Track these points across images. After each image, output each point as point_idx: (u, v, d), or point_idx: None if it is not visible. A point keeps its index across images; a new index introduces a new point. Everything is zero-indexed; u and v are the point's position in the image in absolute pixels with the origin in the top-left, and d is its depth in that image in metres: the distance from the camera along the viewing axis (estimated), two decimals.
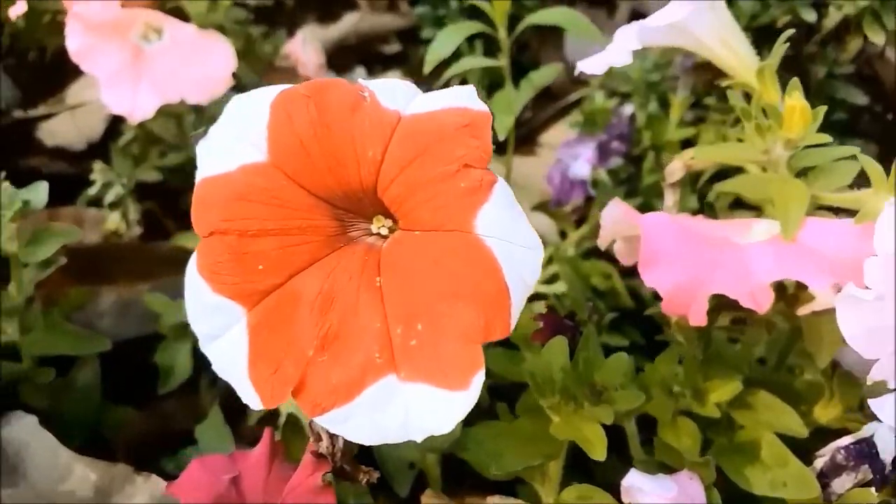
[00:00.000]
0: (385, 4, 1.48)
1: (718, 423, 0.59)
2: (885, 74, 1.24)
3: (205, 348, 0.40)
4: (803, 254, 0.51)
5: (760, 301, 0.51)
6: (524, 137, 1.20)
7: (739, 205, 0.87)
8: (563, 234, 0.95)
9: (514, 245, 0.35)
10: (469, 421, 0.61)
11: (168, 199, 1.04)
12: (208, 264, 0.39)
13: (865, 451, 0.56)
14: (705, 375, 0.58)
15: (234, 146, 0.38)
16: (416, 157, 0.36)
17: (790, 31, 0.55)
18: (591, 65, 0.57)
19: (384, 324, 0.36)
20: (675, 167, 0.66)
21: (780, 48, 0.55)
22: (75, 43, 0.77)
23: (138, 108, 0.79)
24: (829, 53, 1.01)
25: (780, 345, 0.64)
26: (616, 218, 0.60)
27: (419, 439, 0.35)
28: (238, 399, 0.79)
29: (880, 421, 0.55)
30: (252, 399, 0.38)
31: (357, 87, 0.37)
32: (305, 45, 0.96)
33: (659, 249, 0.53)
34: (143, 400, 0.79)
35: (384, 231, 0.39)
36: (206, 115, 0.98)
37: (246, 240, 0.38)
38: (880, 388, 0.47)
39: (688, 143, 0.98)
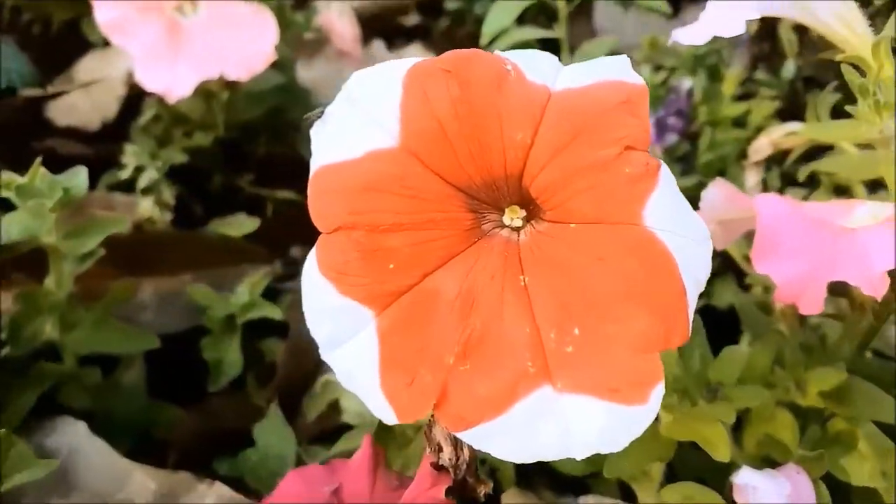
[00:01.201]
0: None
1: (814, 413, 0.57)
2: None
3: (326, 356, 0.36)
4: None
5: (879, 287, 0.48)
6: None
7: (792, 183, 0.84)
8: None
9: (686, 239, 0.31)
10: None
11: (195, 183, 0.99)
12: (334, 263, 0.34)
13: None
14: (807, 365, 0.55)
15: (358, 129, 0.34)
16: (572, 140, 0.32)
17: None
18: (692, 34, 0.53)
19: (534, 328, 0.33)
20: (762, 145, 0.62)
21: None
22: (106, 14, 0.72)
23: (177, 85, 0.74)
24: None
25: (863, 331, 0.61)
26: (717, 200, 0.56)
27: (581, 457, 0.32)
28: (292, 396, 0.75)
29: None
30: (385, 412, 0.34)
31: (500, 60, 0.33)
32: (342, 17, 0.91)
33: (777, 237, 0.50)
34: (190, 398, 0.75)
35: (517, 223, 0.35)
36: (241, 92, 0.94)
37: (376, 235, 0.34)
38: None
39: (739, 121, 0.95)
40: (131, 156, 0.80)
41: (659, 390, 0.30)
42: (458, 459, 0.39)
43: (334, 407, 0.70)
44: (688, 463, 0.57)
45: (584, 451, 0.32)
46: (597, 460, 0.61)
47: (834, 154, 0.59)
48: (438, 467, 0.39)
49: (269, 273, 0.82)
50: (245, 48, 0.76)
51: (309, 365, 0.79)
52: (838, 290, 0.57)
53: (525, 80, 0.33)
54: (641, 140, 0.32)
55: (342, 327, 0.35)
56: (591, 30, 1.17)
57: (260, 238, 0.92)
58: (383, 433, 0.48)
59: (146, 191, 0.82)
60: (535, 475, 0.63)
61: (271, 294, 0.83)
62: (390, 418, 0.34)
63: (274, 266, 0.85)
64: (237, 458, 0.70)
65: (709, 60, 0.98)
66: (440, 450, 0.39)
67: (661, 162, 0.32)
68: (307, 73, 1.17)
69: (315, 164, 0.35)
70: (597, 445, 0.31)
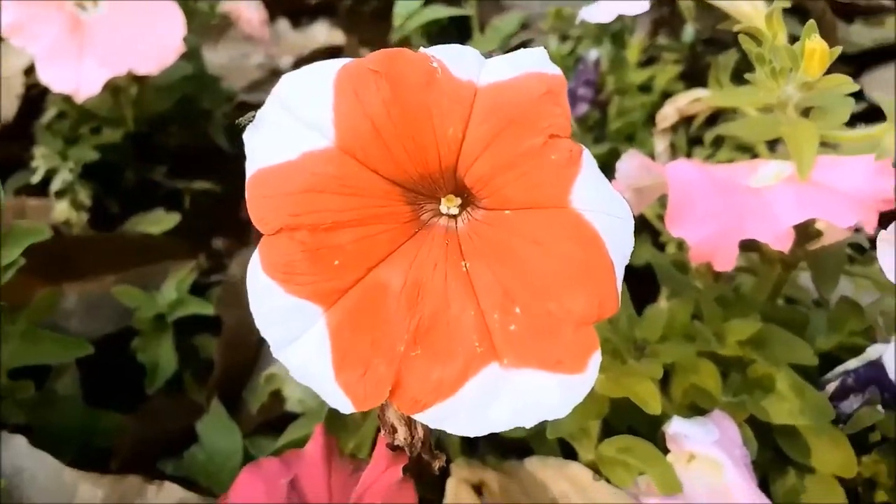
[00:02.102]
0: None
1: (734, 361, 0.61)
2: (812, 5, 1.28)
3: (278, 354, 0.36)
4: (823, 193, 0.53)
5: (785, 242, 0.53)
6: None
7: (698, 142, 0.89)
8: None
9: (611, 217, 0.34)
10: None
11: (108, 180, 0.97)
12: (279, 264, 0.35)
13: (873, 374, 0.59)
14: (724, 317, 0.60)
15: (292, 132, 0.34)
16: (500, 132, 0.34)
17: None
18: (599, 13, 0.56)
19: (478, 311, 0.35)
20: (668, 112, 0.66)
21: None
22: (8, 16, 0.68)
23: (84, 84, 0.72)
24: None
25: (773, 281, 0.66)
26: (631, 170, 0.59)
27: (530, 426, 0.34)
28: (231, 390, 0.75)
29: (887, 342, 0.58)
30: (342, 403, 0.35)
31: (426, 58, 0.34)
32: (248, 2, 0.89)
33: (688, 201, 0.53)
34: (127, 403, 0.74)
35: (454, 211, 0.37)
36: (150, 84, 0.91)
37: (319, 234, 0.35)
38: None
39: (645, 86, 0.99)
40: (41, 158, 0.77)
41: (596, 358, 0.33)
42: (412, 438, 0.40)
43: (276, 396, 0.71)
44: (622, 418, 0.61)
45: (533, 421, 0.34)
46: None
47: (736, 117, 0.63)
48: (394, 448, 0.41)
49: (194, 268, 0.81)
50: (153, 41, 0.74)
51: (246, 358, 0.80)
52: (749, 245, 0.62)
53: (451, 76, 0.34)
54: (564, 128, 0.34)
55: (292, 326, 0.36)
56: (499, 5, 1.19)
57: (180, 232, 0.90)
58: (333, 420, 0.49)
59: (60, 193, 0.79)
60: (480, 442, 0.66)
61: (199, 289, 0.82)
62: (347, 408, 0.35)
63: (198, 260, 0.84)
64: (182, 457, 0.69)
65: (613, 28, 1.02)
66: (394, 431, 0.41)
67: (584, 147, 0.34)
68: (214, 59, 1.15)
69: (251, 167, 0.36)
70: (544, 414, 0.34)
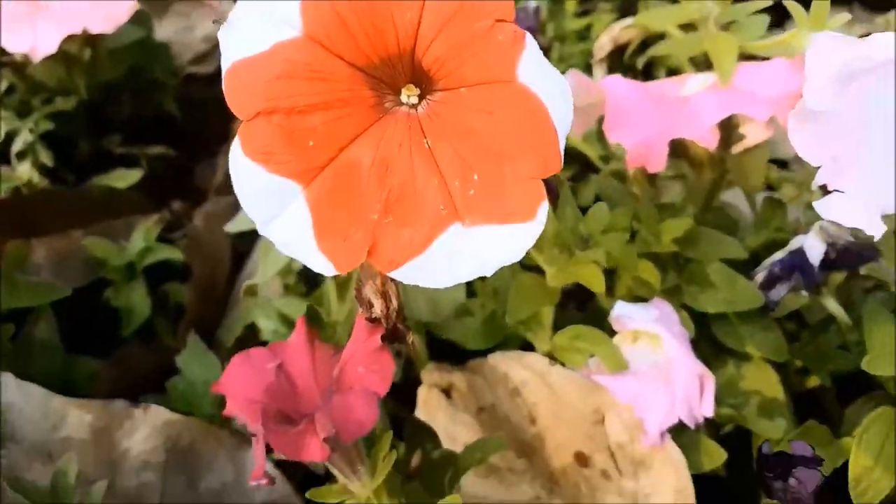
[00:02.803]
0: None
1: (671, 259, 0.67)
2: None
3: (264, 231, 0.40)
4: (741, 94, 0.59)
5: (710, 140, 0.59)
6: None
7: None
8: None
9: (552, 87, 0.38)
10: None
11: (62, 150, 0.98)
12: (258, 146, 0.39)
13: (797, 261, 0.65)
14: (660, 219, 0.66)
15: (263, 26, 0.38)
16: (452, 16, 0.38)
17: None
18: None
19: (441, 180, 0.39)
20: (604, 42, 0.71)
21: None
22: None
23: (40, 43, 0.74)
24: None
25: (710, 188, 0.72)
26: (575, 89, 0.64)
27: (490, 273, 0.39)
28: (204, 332, 0.78)
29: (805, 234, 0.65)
30: (325, 267, 0.39)
31: None
32: None
33: (623, 110, 0.59)
34: (103, 351, 0.77)
35: (413, 100, 0.41)
36: (102, 50, 0.93)
37: (294, 117, 0.39)
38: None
39: (583, 34, 1.05)
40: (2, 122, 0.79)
41: (544, 207, 0.38)
42: (388, 309, 0.45)
43: (251, 329, 0.74)
44: (571, 321, 0.66)
45: (493, 268, 0.39)
46: (497, 334, 0.69)
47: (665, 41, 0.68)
48: (371, 320, 0.45)
49: (159, 220, 0.84)
50: (106, 1, 0.76)
51: (216, 301, 0.83)
52: (679, 152, 0.68)
53: None
54: (507, 13, 0.39)
55: (275, 203, 0.40)
56: None
57: (141, 193, 0.92)
58: (311, 321, 0.53)
59: (21, 155, 0.81)
60: (444, 356, 0.71)
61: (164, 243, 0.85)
62: (331, 271, 0.39)
63: (162, 214, 0.87)
64: (162, 394, 0.72)
65: None
66: (371, 306, 0.45)
67: (526, 31, 0.39)
68: (160, 33, 1.16)
69: (226, 62, 0.39)
70: (503, 260, 0.38)
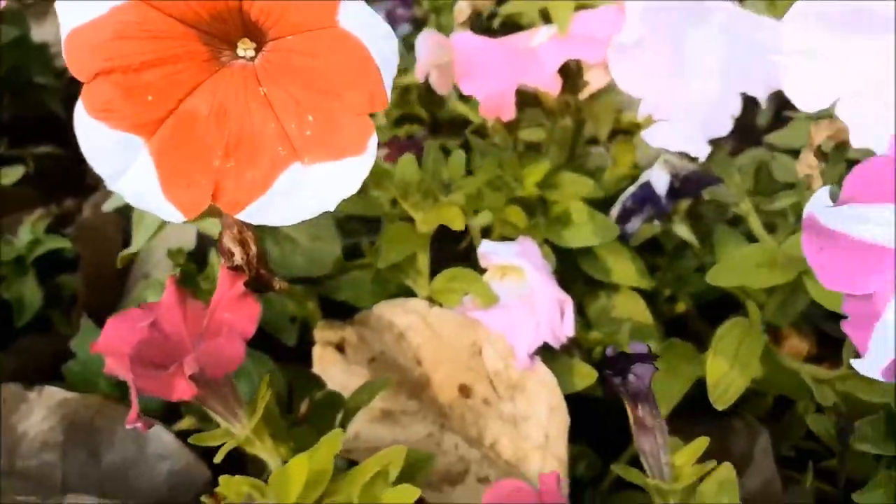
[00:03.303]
0: None
1: (536, 203, 0.72)
2: None
3: (113, 186, 0.43)
4: (578, 40, 0.64)
5: (554, 84, 0.64)
6: None
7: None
8: None
9: (372, 30, 0.42)
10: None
11: None
12: (99, 104, 0.41)
13: (646, 193, 0.71)
14: (521, 165, 0.70)
15: None
16: None
17: None
18: None
19: (278, 123, 0.42)
20: (462, 6, 0.76)
21: None
22: None
23: None
24: None
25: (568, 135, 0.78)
26: (428, 47, 0.69)
27: (333, 208, 0.42)
28: (98, 318, 0.79)
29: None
30: (173, 215, 0.42)
31: None
32: None
33: (472, 62, 0.63)
34: (2, 343, 0.77)
35: (250, 53, 0.44)
36: None
37: (131, 75, 0.41)
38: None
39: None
40: None
41: (373, 140, 0.41)
42: (248, 256, 0.48)
43: None
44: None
45: (334, 202, 0.42)
46: (386, 291, 0.73)
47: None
48: (234, 268, 0.48)
49: (46, 214, 0.84)
50: None
51: (109, 288, 0.84)
52: (531, 101, 0.72)
53: None
54: None
55: (120, 157, 0.42)
56: None
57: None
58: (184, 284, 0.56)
59: None
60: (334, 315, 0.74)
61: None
62: (179, 218, 0.42)
63: (50, 208, 0.87)
64: (62, 382, 0.73)
65: None
66: (232, 254, 0.48)
67: None
68: (42, 32, 1.15)
69: (65, 29, 0.42)
70: (342, 193, 0.42)
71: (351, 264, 0.73)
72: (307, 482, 0.50)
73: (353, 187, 0.42)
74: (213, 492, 0.49)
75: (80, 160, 1.08)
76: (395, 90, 0.96)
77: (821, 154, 0.59)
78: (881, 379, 0.48)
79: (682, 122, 0.59)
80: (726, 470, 0.57)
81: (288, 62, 0.43)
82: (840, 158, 0.62)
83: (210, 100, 0.43)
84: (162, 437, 0.67)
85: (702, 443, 0.56)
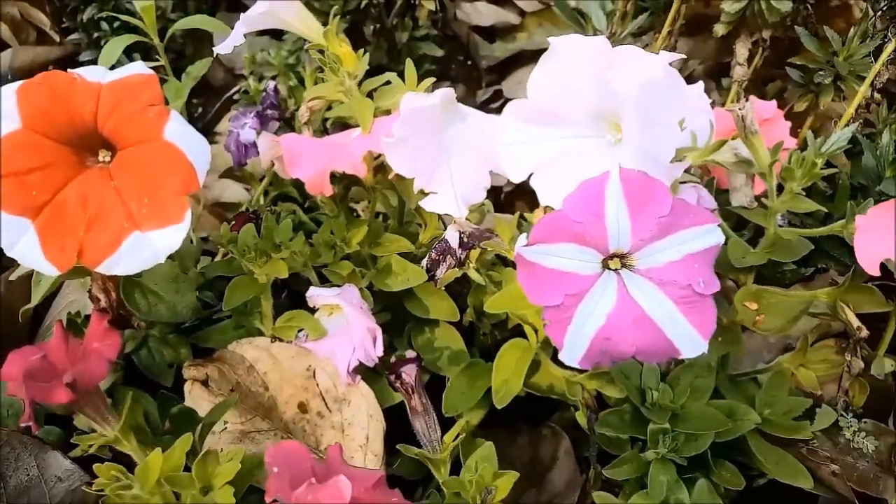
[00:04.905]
0: (34, 37, 1.59)
1: (367, 259, 0.93)
2: (460, 32, 1.71)
3: (10, 252, 0.62)
4: (377, 137, 0.86)
5: (360, 170, 0.85)
6: (203, 130, 1.44)
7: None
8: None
9: (189, 141, 0.63)
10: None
11: None
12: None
13: (446, 246, 0.92)
14: (348, 229, 0.91)
15: None
16: (118, 104, 0.62)
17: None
18: (222, 47, 0.86)
19: (124, 205, 0.62)
20: (303, 111, 0.98)
21: (337, 22, 0.88)
22: None
23: None
24: (407, 22, 1.41)
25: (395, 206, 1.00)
26: (266, 145, 0.90)
27: (163, 260, 0.62)
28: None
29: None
30: (51, 270, 0.61)
31: (70, 74, 0.62)
32: None
33: (297, 153, 0.84)
34: None
35: (108, 159, 0.65)
36: None
37: (21, 177, 0.61)
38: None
39: None
40: None
41: (188, 212, 0.62)
42: (111, 300, 0.67)
43: None
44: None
45: (164, 255, 0.62)
46: (241, 337, 0.91)
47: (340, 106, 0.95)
48: (101, 311, 0.67)
49: None
50: None
51: (21, 339, 0.99)
52: (357, 181, 0.94)
53: (87, 81, 0.62)
54: (157, 99, 0.63)
55: (15, 233, 0.61)
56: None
57: None
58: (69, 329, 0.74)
59: None
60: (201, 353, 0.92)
61: None
62: (55, 272, 0.61)
63: None
64: None
65: (298, 68, 1.35)
66: (98, 300, 0.67)
67: (172, 110, 0.64)
68: None
69: None
70: (168, 249, 0.62)
71: (205, 313, 0.91)
72: (162, 472, 0.67)
73: (175, 245, 0.62)
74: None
75: None
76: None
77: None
78: (578, 366, 0.68)
79: (446, 192, 0.81)
80: (487, 448, 0.77)
81: (130, 163, 0.63)
82: None
83: (77, 192, 0.63)
84: (60, 462, 0.83)
85: (489, 448, 0.76)
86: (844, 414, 0.93)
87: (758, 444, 0.86)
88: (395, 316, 0.96)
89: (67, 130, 0.63)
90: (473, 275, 0.92)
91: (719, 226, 0.66)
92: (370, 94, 0.90)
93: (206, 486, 0.65)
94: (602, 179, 0.66)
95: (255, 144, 1.19)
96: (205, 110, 1.56)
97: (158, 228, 0.62)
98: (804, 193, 0.80)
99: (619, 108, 0.74)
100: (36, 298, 0.76)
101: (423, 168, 0.80)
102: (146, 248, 0.62)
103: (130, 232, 0.62)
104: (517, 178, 0.75)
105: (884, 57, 1.06)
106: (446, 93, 0.80)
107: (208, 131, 1.50)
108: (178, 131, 0.63)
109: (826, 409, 0.91)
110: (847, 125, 1.08)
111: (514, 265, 0.97)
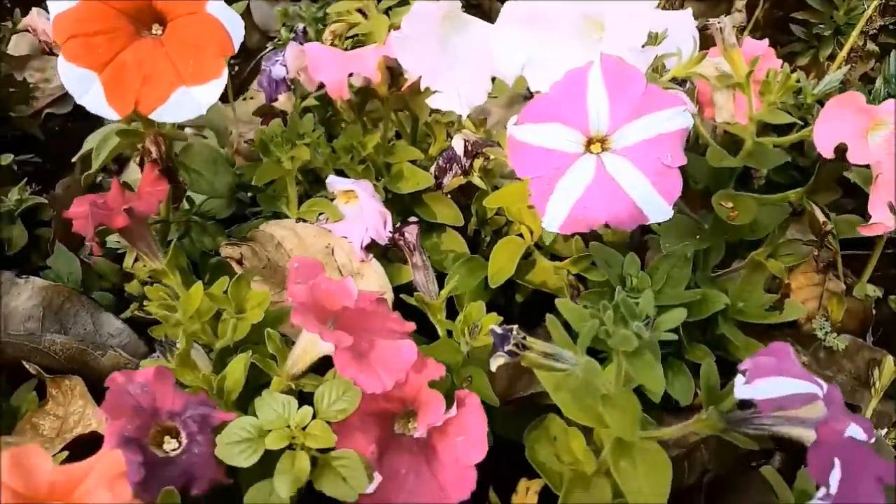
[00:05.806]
0: None
1: (382, 166, 1.04)
2: None
3: (80, 100, 0.74)
4: (390, 47, 0.97)
5: (374, 75, 0.97)
6: (239, 88, 1.57)
7: None
8: None
9: (227, 15, 0.75)
10: None
11: None
12: (71, 54, 0.74)
13: (452, 154, 1.03)
14: (364, 133, 1.03)
15: None
16: None
17: None
18: None
19: (173, 66, 0.75)
20: (327, 35, 1.10)
21: None
22: None
23: None
24: None
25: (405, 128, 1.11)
26: (293, 55, 1.03)
27: (204, 111, 0.74)
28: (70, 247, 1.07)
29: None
30: (113, 115, 0.74)
31: None
32: (40, 15, 1.24)
33: (320, 59, 0.97)
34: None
35: (159, 32, 0.77)
36: None
37: (88, 38, 0.74)
38: None
39: None
40: None
41: (225, 71, 0.74)
42: (161, 152, 0.79)
43: None
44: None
45: (206, 107, 0.74)
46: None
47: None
48: (153, 161, 0.79)
49: (26, 185, 1.13)
50: None
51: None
52: (373, 94, 1.05)
53: None
54: None
55: (83, 83, 0.74)
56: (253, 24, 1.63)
57: None
58: None
59: None
60: None
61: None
62: (116, 116, 0.74)
63: (32, 186, 1.16)
64: None
65: (325, 21, 1.48)
66: (150, 151, 0.79)
67: None
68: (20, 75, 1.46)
69: (52, 13, 0.74)
70: (210, 100, 0.74)
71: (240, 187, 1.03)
72: (202, 302, 0.79)
73: (213, 98, 0.75)
74: None
75: (49, 168, 1.38)
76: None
77: None
78: (559, 231, 0.77)
79: (450, 91, 0.92)
80: (479, 304, 0.87)
81: (179, 32, 0.76)
82: None
83: (134, 54, 0.76)
84: (112, 321, 0.95)
85: (479, 303, 0.85)
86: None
87: (732, 332, 0.94)
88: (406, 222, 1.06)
89: (127, 2, 0.75)
90: (477, 181, 1.03)
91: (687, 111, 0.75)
92: (387, 12, 1.02)
93: (240, 307, 0.76)
94: (586, 67, 0.76)
95: (285, 80, 1.32)
96: (240, 69, 1.70)
97: (201, 84, 0.74)
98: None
99: (601, 8, 0.85)
100: (96, 165, 0.88)
101: (429, 67, 0.91)
102: (190, 100, 0.74)
103: (178, 86, 0.74)
104: (510, 74, 0.86)
105: (875, 2, 1.16)
106: (453, 3, 0.92)
107: (244, 90, 1.63)
108: (218, 6, 0.76)
109: (794, 303, 0.99)
110: (839, 69, 1.17)
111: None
